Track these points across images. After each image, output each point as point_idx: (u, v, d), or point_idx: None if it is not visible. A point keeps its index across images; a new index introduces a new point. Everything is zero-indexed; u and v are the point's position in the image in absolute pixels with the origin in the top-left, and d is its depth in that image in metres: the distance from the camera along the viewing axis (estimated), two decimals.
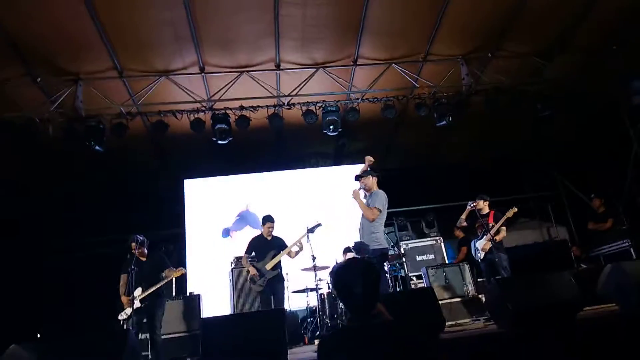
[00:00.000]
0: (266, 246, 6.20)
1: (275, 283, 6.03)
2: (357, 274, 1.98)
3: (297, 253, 6.21)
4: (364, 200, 5.18)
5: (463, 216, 6.30)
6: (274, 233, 6.33)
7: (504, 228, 6.03)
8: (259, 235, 6.36)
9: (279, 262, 6.12)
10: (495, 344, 3.52)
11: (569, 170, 10.25)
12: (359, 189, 5.25)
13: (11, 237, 7.96)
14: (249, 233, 8.12)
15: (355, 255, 4.87)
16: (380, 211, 4.97)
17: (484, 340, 3.70)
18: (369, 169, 5.48)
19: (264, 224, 6.31)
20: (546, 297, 3.67)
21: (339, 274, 2.07)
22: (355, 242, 5.01)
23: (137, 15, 5.70)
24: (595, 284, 4.96)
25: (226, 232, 8.67)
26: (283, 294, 6.17)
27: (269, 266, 6.01)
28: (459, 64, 7.24)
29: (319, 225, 6.24)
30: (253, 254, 6.20)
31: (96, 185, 8.66)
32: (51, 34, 5.73)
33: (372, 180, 5.25)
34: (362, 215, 5.11)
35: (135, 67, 6.57)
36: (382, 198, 5.07)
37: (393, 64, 7.07)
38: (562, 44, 7.08)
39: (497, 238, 5.89)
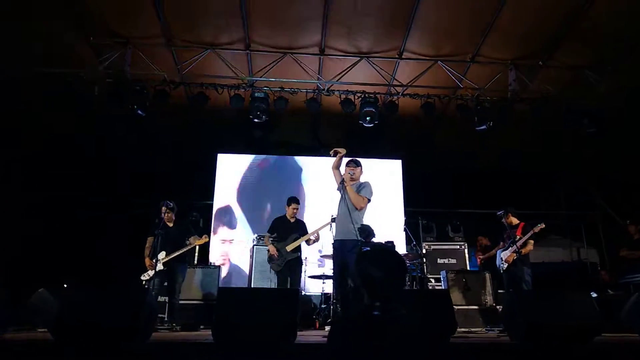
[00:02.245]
0: (289, 228, 6.27)
1: (293, 265, 6.10)
2: (385, 262, 1.97)
3: (314, 242, 6.26)
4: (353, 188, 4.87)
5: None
6: (298, 217, 6.40)
7: (531, 242, 5.90)
8: (283, 216, 6.43)
9: (300, 245, 6.19)
10: (503, 354, 3.47)
11: (608, 192, 9.86)
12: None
13: (52, 190, 8.33)
14: None
15: (362, 239, 4.61)
16: (369, 201, 4.83)
17: (491, 349, 3.64)
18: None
19: (289, 204, 6.37)
20: (562, 315, 3.57)
21: (367, 259, 2.05)
22: (362, 225, 4.72)
23: None
24: (620, 311, 4.82)
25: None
26: (300, 276, 6.25)
27: (289, 248, 6.08)
28: (508, 68, 7.04)
29: None
30: (275, 234, 6.29)
31: (134, 149, 8.92)
32: None
33: (359, 171, 5.03)
34: (344, 203, 4.77)
35: (183, 37, 6.69)
36: (371, 189, 4.87)
37: (439, 61, 6.94)
38: (617, 60, 6.78)
39: (523, 251, 5.76)
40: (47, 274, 6.21)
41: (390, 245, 4.13)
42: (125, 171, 8.75)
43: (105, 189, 8.81)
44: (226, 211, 8.75)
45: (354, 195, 4.74)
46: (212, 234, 8.38)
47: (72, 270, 7.39)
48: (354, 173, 4.93)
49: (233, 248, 8.39)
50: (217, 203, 8.73)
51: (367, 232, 4.71)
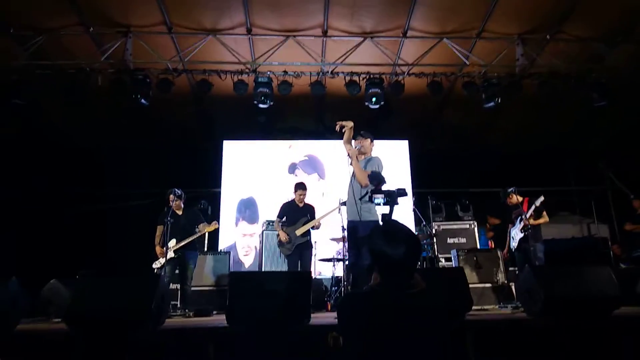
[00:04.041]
0: (297, 212, 6.29)
1: (303, 249, 6.13)
2: (401, 240, 1.90)
3: (316, 228, 6.25)
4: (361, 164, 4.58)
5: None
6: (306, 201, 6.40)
7: (544, 213, 5.88)
8: (291, 200, 6.43)
9: (309, 229, 6.20)
10: (522, 330, 3.45)
11: (618, 166, 9.74)
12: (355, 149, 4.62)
13: (61, 182, 8.36)
14: (314, 180, 8.58)
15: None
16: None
17: (510, 325, 3.62)
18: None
19: (295, 190, 6.38)
20: (582, 289, 3.53)
21: (381, 238, 1.94)
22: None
23: None
24: (635, 285, 4.78)
25: (292, 168, 8.90)
26: (310, 260, 6.27)
27: (299, 232, 6.11)
28: (515, 43, 6.90)
29: None
30: (285, 218, 6.29)
31: (139, 139, 8.90)
32: None
33: (369, 144, 4.69)
34: (353, 179, 4.49)
35: (184, 23, 6.60)
36: (379, 163, 4.54)
37: (444, 38, 6.82)
38: (627, 31, 6.62)
39: (536, 222, 5.76)
40: (58, 265, 6.25)
41: (402, 191, 3.82)
42: (131, 161, 8.74)
43: (112, 179, 8.82)
44: (247, 204, 8.72)
45: (358, 170, 4.40)
46: (220, 221, 8.38)
47: (83, 260, 7.44)
48: (362, 146, 4.62)
49: (256, 241, 8.37)
50: (225, 189, 8.71)
51: (377, 179, 4.33)
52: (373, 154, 4.73)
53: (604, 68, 6.98)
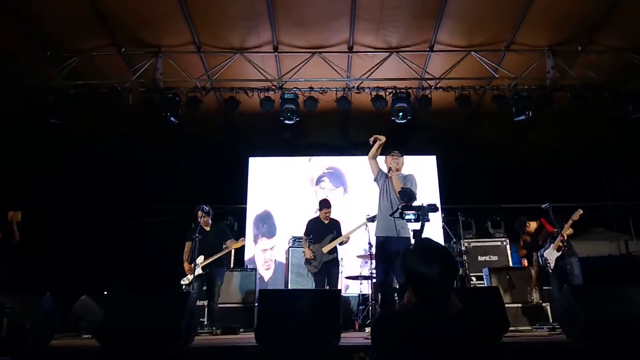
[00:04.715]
0: (323, 229, 6.25)
1: (330, 266, 6.08)
2: (437, 259, 1.82)
3: (344, 243, 6.19)
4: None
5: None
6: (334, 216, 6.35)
7: (568, 224, 5.70)
8: (316, 218, 6.39)
9: (336, 246, 6.13)
10: (562, 353, 3.28)
11: None
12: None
13: (92, 198, 8.56)
14: (339, 194, 8.49)
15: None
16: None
17: (549, 347, 3.46)
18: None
19: (320, 209, 6.35)
20: (624, 311, 3.35)
21: (416, 257, 1.87)
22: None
23: None
24: None
25: (318, 180, 8.88)
26: (337, 278, 6.19)
27: (325, 249, 6.05)
28: (545, 55, 6.75)
29: None
30: (311, 235, 6.24)
31: (169, 155, 9.06)
32: (136, 6, 5.95)
33: (403, 162, 4.71)
34: (386, 196, 4.53)
35: (212, 42, 6.71)
36: (415, 182, 4.55)
37: (472, 52, 6.73)
38: None
39: (566, 232, 5.58)
40: (89, 281, 6.36)
41: (433, 207, 3.74)
42: (160, 178, 8.88)
43: (141, 196, 8.97)
44: (264, 218, 8.69)
45: (400, 186, 4.37)
46: (252, 243, 8.41)
47: (113, 277, 7.55)
48: (397, 163, 4.63)
49: (276, 253, 8.37)
50: (251, 206, 8.73)
51: (408, 195, 4.23)
52: (404, 171, 4.72)
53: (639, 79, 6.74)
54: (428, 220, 3.69)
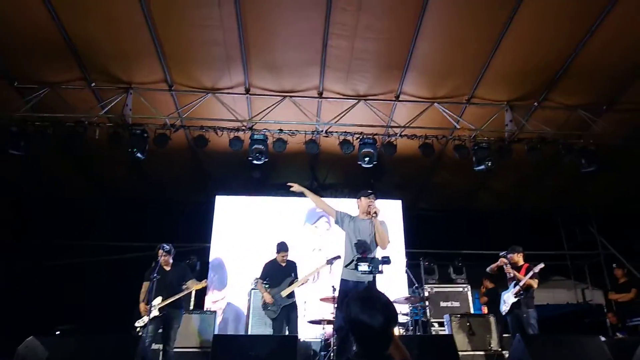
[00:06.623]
0: (281, 272, 6.20)
1: (289, 311, 5.99)
2: (377, 309, 1.85)
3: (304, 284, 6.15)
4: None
5: (494, 265, 6.20)
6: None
7: (536, 280, 5.79)
8: (273, 260, 6.35)
9: (294, 290, 6.08)
10: None
11: (611, 231, 9.78)
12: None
13: (45, 235, 8.25)
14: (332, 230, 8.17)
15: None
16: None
17: None
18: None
19: (278, 251, 6.32)
20: None
21: (358, 305, 1.89)
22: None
23: (192, 33, 5.91)
24: (631, 356, 4.63)
25: (314, 218, 8.58)
26: (296, 322, 6.08)
27: (284, 293, 5.99)
28: (504, 109, 7.14)
29: (338, 257, 6.08)
30: (267, 279, 6.17)
31: (132, 192, 8.91)
32: (110, 43, 6.01)
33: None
34: (350, 239, 4.35)
35: (184, 82, 6.80)
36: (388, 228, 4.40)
37: (435, 103, 7.05)
38: (610, 100, 6.89)
39: (525, 284, 5.69)
40: (37, 322, 6.03)
41: (386, 259, 3.78)
42: (121, 214, 8.69)
43: (100, 232, 8.72)
44: (215, 268, 8.33)
45: (383, 234, 4.20)
46: (208, 278, 8.15)
47: (63, 317, 7.19)
48: (375, 207, 4.30)
49: (229, 291, 8.13)
50: (215, 245, 8.58)
51: (363, 247, 4.17)
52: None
53: (591, 135, 7.17)
54: (380, 272, 3.77)
